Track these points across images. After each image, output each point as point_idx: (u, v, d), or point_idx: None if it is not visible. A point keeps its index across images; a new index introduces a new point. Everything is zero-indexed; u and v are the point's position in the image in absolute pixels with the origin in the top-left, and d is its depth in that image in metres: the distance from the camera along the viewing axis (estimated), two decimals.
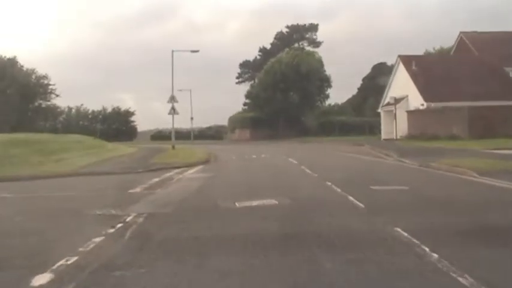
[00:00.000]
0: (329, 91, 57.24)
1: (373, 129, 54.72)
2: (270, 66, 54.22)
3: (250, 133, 58.87)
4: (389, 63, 76.02)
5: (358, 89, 77.46)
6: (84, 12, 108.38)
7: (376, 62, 75.66)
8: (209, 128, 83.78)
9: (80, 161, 19.78)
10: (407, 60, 40.62)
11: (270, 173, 15.34)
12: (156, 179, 14.04)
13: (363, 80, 77.08)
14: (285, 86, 52.91)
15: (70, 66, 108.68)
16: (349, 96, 77.86)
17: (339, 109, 70.40)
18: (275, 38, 69.29)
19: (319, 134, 56.18)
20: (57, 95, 68.16)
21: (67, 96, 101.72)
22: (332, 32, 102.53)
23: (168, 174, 15.80)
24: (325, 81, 56.06)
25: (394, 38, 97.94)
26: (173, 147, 33.61)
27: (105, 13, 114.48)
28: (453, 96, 34.98)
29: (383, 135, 42.15)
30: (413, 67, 39.73)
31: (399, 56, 41.47)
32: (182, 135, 69.32)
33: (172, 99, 33.37)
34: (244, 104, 69.49)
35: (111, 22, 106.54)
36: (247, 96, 58.99)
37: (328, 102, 60.91)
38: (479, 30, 44.78)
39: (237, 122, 63.10)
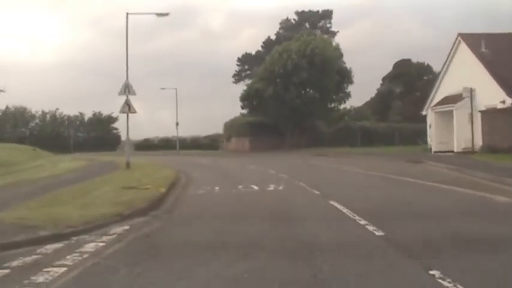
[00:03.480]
0: (350, 88, 44.84)
1: (407, 137, 42.85)
2: (276, 57, 42.00)
3: (249, 142, 46.60)
4: (414, 60, 65.19)
5: (378, 90, 65.60)
6: (98, 20, 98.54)
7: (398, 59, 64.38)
8: (206, 137, 73.91)
9: None
10: (472, 40, 28.57)
11: None
12: None
13: (383, 79, 65.35)
14: (298, 81, 40.59)
15: (81, 73, 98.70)
16: (367, 99, 65.84)
17: (357, 113, 58.18)
18: (281, 27, 57.07)
19: (336, 143, 44.04)
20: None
21: (75, 104, 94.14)
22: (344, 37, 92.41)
23: None
24: (345, 76, 43.75)
25: (410, 45, 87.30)
26: (128, 164, 21.51)
27: (119, 21, 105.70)
28: None
29: (434, 147, 29.90)
30: (483, 49, 27.71)
31: (460, 35, 29.33)
32: (171, 145, 57.62)
33: (126, 88, 21.22)
34: (243, 107, 57.13)
35: (123, 30, 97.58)
36: (245, 95, 46.22)
37: (348, 103, 48.60)
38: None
39: (233, 128, 50.89)
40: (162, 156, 42.87)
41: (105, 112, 79.52)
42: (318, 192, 11.76)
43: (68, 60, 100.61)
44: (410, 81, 59.77)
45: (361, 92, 64.81)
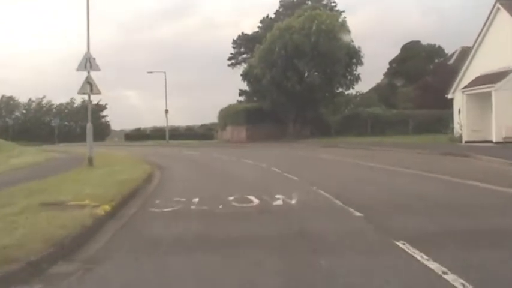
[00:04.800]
0: (358, 70, 39.90)
1: (422, 125, 38.34)
2: (275, 36, 37.14)
3: (246, 131, 41.84)
4: (424, 42, 60.17)
5: (385, 74, 60.92)
6: (99, 11, 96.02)
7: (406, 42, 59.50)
8: (202, 126, 70.90)
9: None
10: None
11: None
12: None
13: (390, 63, 60.69)
14: (301, 63, 35.70)
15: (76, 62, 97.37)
16: (373, 85, 60.93)
17: (363, 100, 53.27)
18: (281, 5, 51.90)
19: (344, 132, 39.40)
20: None
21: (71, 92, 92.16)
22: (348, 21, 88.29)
23: None
24: (354, 57, 38.81)
25: (417, 30, 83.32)
26: (89, 160, 16.68)
27: (119, 12, 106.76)
28: None
29: (466, 136, 25.16)
30: None
31: (498, 1, 24.43)
32: (163, 135, 53.02)
33: (87, 62, 16.33)
34: (240, 93, 51.97)
35: (124, 20, 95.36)
36: (247, 70, 41.33)
37: (355, 88, 43.63)
38: None
39: (228, 116, 46.08)
40: (149, 147, 38.20)
41: (95, 100, 75.06)
42: (358, 215, 6.99)
43: (66, 49, 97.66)
44: (420, 65, 55.03)
45: (366, 78, 60.14)
